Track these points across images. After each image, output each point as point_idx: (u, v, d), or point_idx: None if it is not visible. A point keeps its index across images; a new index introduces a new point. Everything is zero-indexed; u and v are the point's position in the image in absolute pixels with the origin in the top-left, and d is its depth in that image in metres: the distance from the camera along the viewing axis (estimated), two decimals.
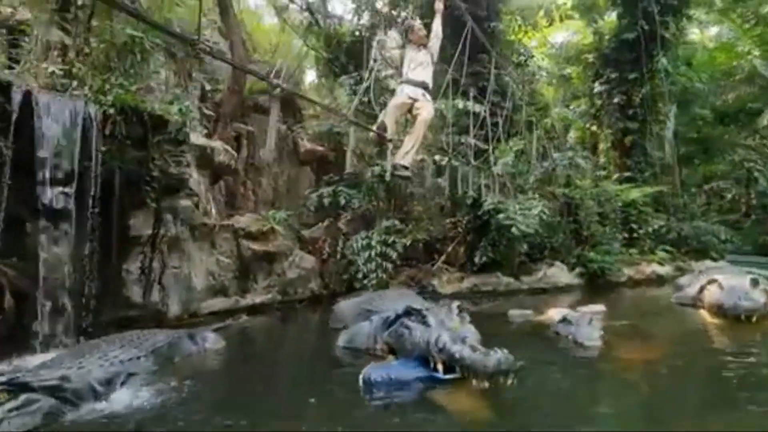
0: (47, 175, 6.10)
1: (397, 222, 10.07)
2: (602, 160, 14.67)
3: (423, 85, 6.09)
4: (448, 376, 3.97)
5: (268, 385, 4.63)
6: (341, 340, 5.65)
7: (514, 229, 9.17)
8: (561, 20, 14.56)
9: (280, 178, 13.68)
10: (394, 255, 9.37)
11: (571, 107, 15.95)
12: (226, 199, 12.02)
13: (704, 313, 6.77)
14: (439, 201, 12.23)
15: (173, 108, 7.41)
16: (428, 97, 6.12)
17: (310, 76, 17.00)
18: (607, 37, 13.18)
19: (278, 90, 4.37)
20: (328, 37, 13.32)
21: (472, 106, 9.86)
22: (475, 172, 9.78)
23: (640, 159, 12.91)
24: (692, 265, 12.69)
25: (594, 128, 14.90)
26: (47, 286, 5.95)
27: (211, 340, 5.95)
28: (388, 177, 6.13)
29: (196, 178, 9.38)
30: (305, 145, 14.04)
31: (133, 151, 7.17)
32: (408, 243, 10.20)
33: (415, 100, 5.99)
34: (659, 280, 11.53)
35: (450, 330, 4.35)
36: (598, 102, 14.11)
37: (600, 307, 7.43)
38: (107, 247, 7.48)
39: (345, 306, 6.94)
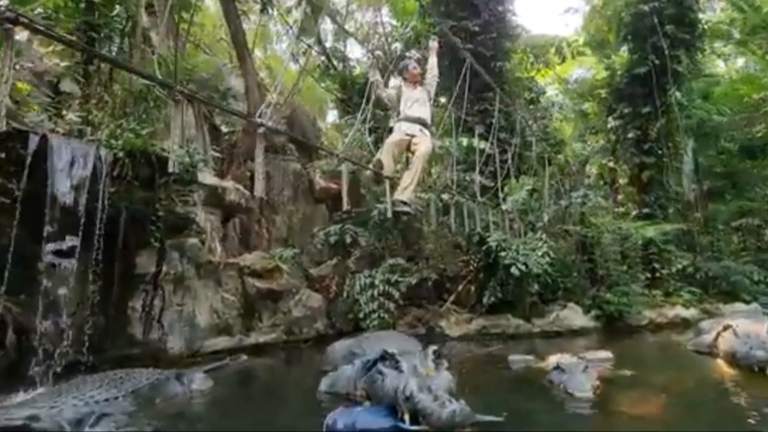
0: (56, 215, 6.41)
1: (402, 260, 9.97)
2: (620, 196, 14.22)
3: (420, 121, 6.14)
4: (414, 428, 3.80)
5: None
6: (323, 383, 5.53)
7: (513, 269, 8.91)
8: (573, 57, 14.55)
9: (295, 216, 13.88)
10: (396, 295, 9.23)
11: (589, 143, 15.69)
12: (241, 236, 12.26)
13: (720, 363, 6.29)
14: (453, 238, 12.12)
15: (180, 150, 7.71)
16: (426, 132, 6.15)
17: (332, 116, 17.52)
18: (619, 72, 13.04)
19: (261, 129, 4.43)
20: (344, 79, 13.74)
21: (477, 143, 9.82)
22: (482, 209, 9.65)
23: (658, 195, 12.43)
24: (720, 308, 11.95)
25: (611, 164, 14.54)
26: (46, 324, 6.13)
27: (198, 382, 5.93)
28: (389, 214, 6.09)
29: (204, 217, 9.69)
30: (320, 182, 14.28)
31: (141, 192, 7.48)
32: (414, 282, 10.06)
33: (413, 136, 6.03)
34: (684, 324, 10.85)
35: (421, 377, 4.20)
36: (613, 137, 13.82)
37: (606, 354, 7.03)
38: (112, 285, 7.72)
39: (337, 348, 6.84)
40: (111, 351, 7.58)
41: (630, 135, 12.81)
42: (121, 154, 6.99)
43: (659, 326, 10.88)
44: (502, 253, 9.10)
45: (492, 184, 9.65)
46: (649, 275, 12.60)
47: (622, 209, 13.40)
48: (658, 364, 6.83)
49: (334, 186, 14.82)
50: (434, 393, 3.82)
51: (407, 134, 6.05)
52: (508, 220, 9.67)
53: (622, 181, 13.54)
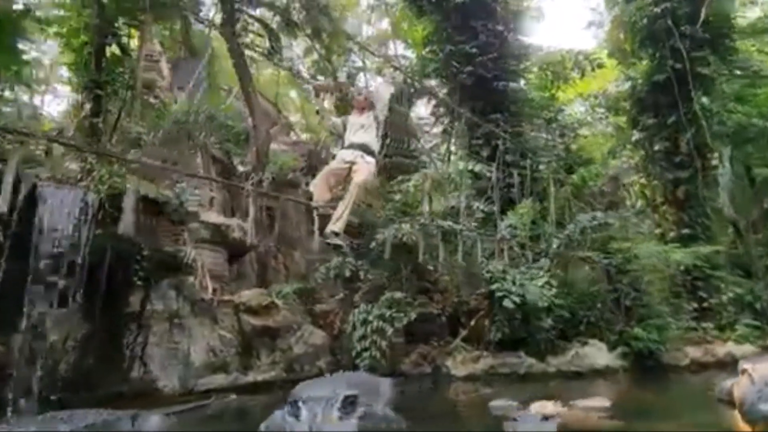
0: (40, 257, 6.73)
1: (401, 294, 9.43)
2: (656, 216, 12.71)
3: (362, 147, 5.83)
4: None
5: None
6: (262, 426, 5.15)
7: (506, 302, 8.08)
8: (593, 70, 13.49)
9: (313, 250, 13.83)
10: (389, 331, 8.68)
11: (624, 160, 14.33)
12: (258, 273, 12.37)
13: (735, 415, 5.14)
14: (470, 270, 11.39)
15: (167, 192, 7.93)
16: (369, 159, 5.82)
17: None
18: (640, 81, 11.81)
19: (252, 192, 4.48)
20: None
21: (477, 167, 9.26)
22: (482, 238, 9.00)
23: (698, 212, 10.88)
24: None
25: (643, 181, 13.08)
26: (20, 361, 6.34)
27: (152, 424, 5.77)
28: (315, 247, 5.77)
29: (207, 254, 9.85)
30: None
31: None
32: (413, 317, 9.45)
33: (353, 163, 5.73)
34: (735, 364, 9.24)
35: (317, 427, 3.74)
36: (642, 152, 12.45)
37: (601, 402, 6.02)
38: (102, 323, 7.94)
39: (298, 389, 6.42)
40: (102, 389, 7.73)
41: (657, 148, 11.46)
42: (104, 197, 7.26)
43: (703, 366, 9.35)
44: (495, 285, 8.32)
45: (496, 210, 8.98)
46: (696, 305, 11.05)
47: (659, 230, 11.93)
48: (661, 415, 5.70)
49: (354, 219, 14.75)
50: None
51: (346, 161, 5.76)
52: (505, 249, 8.89)
53: (658, 199, 12.11)
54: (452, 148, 12.10)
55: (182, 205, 8.23)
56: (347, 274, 9.91)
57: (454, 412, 6.47)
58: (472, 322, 10.48)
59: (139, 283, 7.52)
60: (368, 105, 6.17)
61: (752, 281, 11.75)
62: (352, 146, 5.86)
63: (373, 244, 9.89)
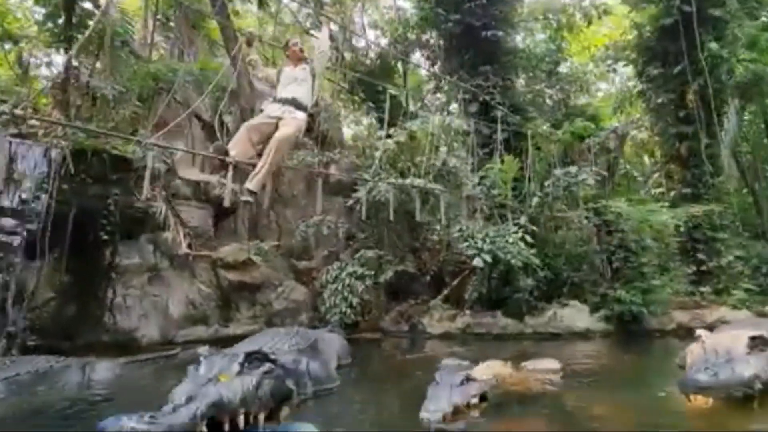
0: (5, 210, 6.78)
1: (372, 252, 9.16)
2: (656, 174, 11.72)
3: (292, 102, 5.38)
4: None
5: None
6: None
7: (477, 260, 7.65)
8: (599, 18, 12.15)
9: (309, 209, 13.63)
10: (360, 288, 8.47)
11: (629, 115, 13.16)
12: (249, 230, 12.31)
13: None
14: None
15: (132, 147, 7.76)
16: (297, 114, 5.38)
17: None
18: (647, 28, 10.51)
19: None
20: (353, 68, 13.12)
21: (459, 123, 8.67)
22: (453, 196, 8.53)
23: (703, 170, 9.86)
24: None
25: (642, 136, 11.99)
26: None
27: (101, 372, 5.84)
28: (226, 202, 5.46)
29: (190, 210, 9.78)
30: (335, 175, 13.86)
31: (95, 188, 7.67)
32: (390, 275, 9.20)
33: (280, 119, 5.33)
34: None
35: (209, 383, 3.58)
36: (646, 105, 11.30)
37: (552, 365, 5.67)
38: (78, 275, 8.06)
39: (240, 344, 6.33)
40: (82, 338, 7.93)
41: (662, 100, 10.33)
42: (70, 153, 7.16)
43: (691, 331, 8.71)
44: (464, 244, 7.89)
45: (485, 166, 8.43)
46: (695, 268, 10.31)
47: (659, 189, 11.00)
48: (607, 381, 5.29)
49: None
50: (195, 404, 3.20)
51: (272, 117, 5.35)
52: (480, 207, 8.39)
53: (661, 156, 11.05)
54: (442, 104, 11.43)
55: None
56: (325, 232, 9.68)
57: (401, 370, 6.27)
58: (455, 282, 10.17)
59: (106, 237, 7.48)
60: (304, 57, 5.69)
61: (761, 243, 10.85)
62: (281, 101, 5.42)
63: (350, 202, 9.58)
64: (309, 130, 6.05)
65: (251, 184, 5.19)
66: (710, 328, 8.85)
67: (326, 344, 6.16)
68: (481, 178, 8.45)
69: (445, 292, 10.01)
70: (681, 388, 3.93)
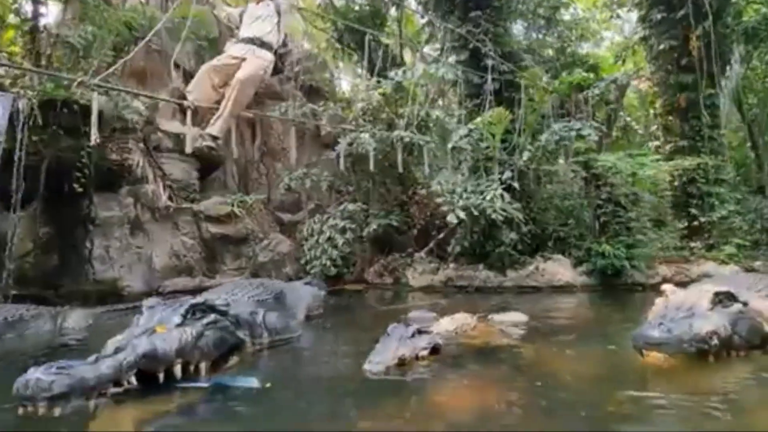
0: None
1: (354, 205, 8.95)
2: (654, 127, 11.10)
3: (256, 41, 5.03)
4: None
5: None
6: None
7: (450, 217, 7.41)
8: None
9: (300, 162, 13.35)
10: (341, 242, 8.33)
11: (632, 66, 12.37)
12: (239, 184, 12.14)
13: None
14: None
15: (103, 98, 7.48)
16: (261, 53, 5.03)
17: None
18: None
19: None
20: (338, 15, 12.42)
21: (445, 72, 8.18)
22: (439, 148, 8.18)
23: (702, 122, 9.26)
24: None
25: (644, 87, 11.24)
26: None
27: (73, 320, 5.85)
28: (188, 149, 5.21)
29: (173, 163, 9.58)
30: (327, 128, 13.47)
31: (68, 140, 7.47)
32: (373, 229, 9.03)
33: (243, 59, 4.99)
34: None
35: (143, 334, 3.49)
36: (648, 53, 10.52)
37: (518, 317, 5.54)
38: (59, 227, 8.01)
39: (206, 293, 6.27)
40: (66, 288, 7.99)
41: (664, 47, 9.58)
42: (38, 103, 6.92)
43: (676, 286, 8.54)
44: (440, 198, 7.62)
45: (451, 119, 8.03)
46: (687, 223, 9.98)
47: (656, 143, 10.46)
48: (575, 335, 5.14)
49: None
50: (127, 350, 3.14)
51: (235, 57, 5.00)
52: (464, 160, 8.04)
53: (661, 107, 10.40)
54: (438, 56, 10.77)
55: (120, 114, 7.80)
56: (307, 185, 9.46)
57: (371, 321, 6.19)
58: (441, 236, 9.99)
59: (80, 189, 7.35)
60: None
61: (759, 198, 10.42)
62: (244, 40, 5.06)
63: (332, 154, 9.28)
64: (278, 71, 5.68)
65: (212, 128, 4.94)
66: (690, 283, 8.77)
67: (295, 296, 6.09)
68: (470, 130, 8.03)
69: (430, 245, 9.87)
70: (633, 343, 3.75)
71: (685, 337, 3.63)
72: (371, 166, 7.45)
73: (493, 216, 7.68)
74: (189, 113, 4.85)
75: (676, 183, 9.69)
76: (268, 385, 3.54)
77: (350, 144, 8.88)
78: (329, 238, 8.32)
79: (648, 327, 3.71)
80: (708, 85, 9.30)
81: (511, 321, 5.47)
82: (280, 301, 5.59)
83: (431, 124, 8.70)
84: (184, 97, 4.86)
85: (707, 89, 9.31)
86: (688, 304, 4.21)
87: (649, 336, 3.65)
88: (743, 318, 4.08)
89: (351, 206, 8.93)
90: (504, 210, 7.75)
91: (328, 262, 8.21)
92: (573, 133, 8.26)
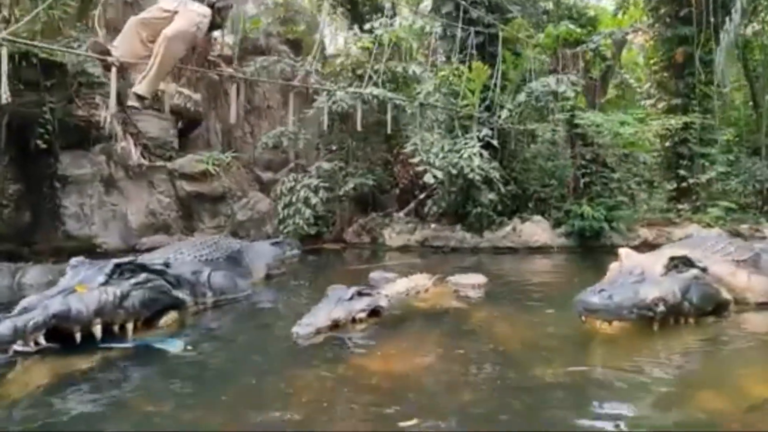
0: None
1: (329, 164, 8.64)
2: (648, 84, 10.42)
3: None
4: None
5: None
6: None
7: (427, 177, 7.08)
8: None
9: (287, 120, 12.91)
10: (314, 201, 8.08)
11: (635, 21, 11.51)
12: (223, 142, 11.81)
13: None
14: None
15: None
16: (195, 6, 4.62)
17: None
18: None
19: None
20: None
21: (419, 24, 7.63)
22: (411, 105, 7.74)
23: (697, 79, 8.59)
24: (764, 229, 8.72)
25: (638, 40, 10.47)
26: None
27: (33, 276, 5.75)
28: (111, 108, 4.89)
29: (149, 120, 9.25)
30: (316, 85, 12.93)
31: (31, 95, 7.16)
32: (351, 188, 8.75)
33: (175, 13, 4.59)
34: None
35: (60, 293, 3.35)
36: (647, 5, 9.70)
37: (478, 279, 5.32)
38: (30, 183, 7.85)
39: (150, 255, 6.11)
40: (41, 244, 7.91)
41: None
42: None
43: (655, 248, 8.25)
44: (416, 158, 7.27)
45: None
46: (676, 185, 9.56)
47: (650, 101, 9.85)
48: (530, 298, 4.93)
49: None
50: (37, 310, 3.02)
51: (166, 11, 4.58)
52: (439, 118, 7.62)
53: (657, 62, 9.68)
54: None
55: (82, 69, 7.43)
56: (285, 143, 9.13)
57: (332, 281, 6.01)
58: (422, 196, 9.71)
59: (44, 146, 7.11)
60: None
61: (753, 159, 9.91)
62: None
63: (311, 112, 8.88)
64: (216, 26, 5.25)
65: (139, 87, 4.60)
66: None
67: (254, 255, 5.92)
68: (437, 85, 7.55)
69: (411, 205, 9.61)
70: (574, 309, 3.53)
71: (626, 303, 3.39)
72: (358, 125, 7.07)
73: (471, 176, 7.34)
74: (114, 70, 4.50)
75: (667, 143, 9.18)
76: (189, 347, 3.42)
77: (333, 102, 8.46)
78: (303, 198, 8.06)
79: (589, 293, 3.47)
80: (707, 38, 8.60)
81: (470, 283, 5.25)
82: (235, 261, 5.42)
83: (409, 81, 8.22)
84: (107, 52, 4.49)
85: (706, 44, 8.62)
86: (640, 269, 3.96)
87: (588, 302, 3.42)
88: (697, 284, 3.84)
89: (326, 165, 8.63)
90: (482, 169, 7.40)
91: (301, 222, 7.99)
92: (548, 89, 7.75)
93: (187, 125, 10.53)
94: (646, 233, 8.35)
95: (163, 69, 4.65)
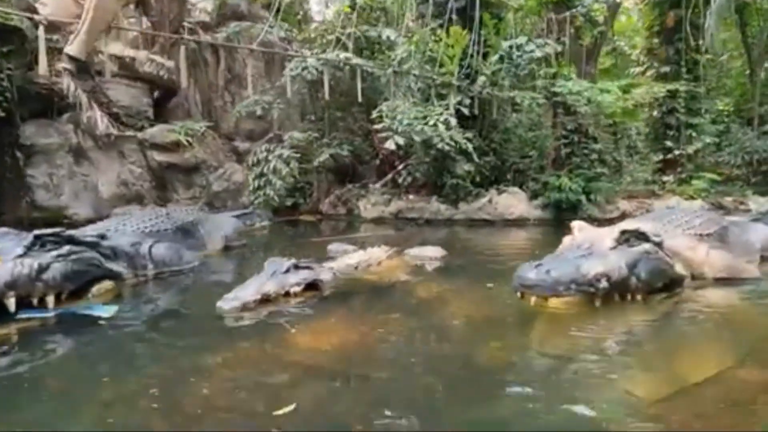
0: None
1: (300, 134, 8.33)
2: (637, 50, 9.87)
3: None
4: None
5: None
6: None
7: (389, 143, 6.77)
8: None
9: (269, 89, 12.49)
10: (284, 171, 7.82)
11: None
12: (203, 111, 11.46)
13: None
14: None
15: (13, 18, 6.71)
16: None
17: None
18: None
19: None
20: None
21: None
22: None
23: (687, 45, 8.07)
24: (755, 202, 8.40)
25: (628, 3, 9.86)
26: None
27: None
28: (41, 70, 4.59)
29: (120, 89, 8.91)
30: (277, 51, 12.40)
31: None
32: (325, 159, 8.46)
33: None
34: None
35: None
36: None
37: (435, 252, 5.11)
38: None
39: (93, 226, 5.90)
40: (10, 214, 7.75)
41: None
42: None
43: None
44: (380, 125, 6.94)
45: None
46: (663, 156, 9.20)
47: (639, 69, 9.34)
48: (484, 272, 4.71)
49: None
50: None
51: None
52: (412, 84, 7.23)
53: (643, 27, 9.12)
54: None
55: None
56: (259, 111, 8.79)
57: (289, 253, 5.81)
58: (401, 167, 9.39)
59: (2, 114, 6.83)
60: None
61: (744, 130, 9.49)
62: None
63: (282, 80, 8.50)
64: None
65: (71, 47, 4.32)
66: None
67: (211, 226, 5.72)
68: (410, 52, 7.14)
69: (389, 176, 9.32)
70: (512, 284, 3.31)
71: (564, 279, 3.17)
72: (326, 92, 6.72)
73: (440, 145, 7.02)
74: (41, 29, 4.18)
75: (654, 113, 8.76)
76: (112, 313, 3.28)
77: (304, 68, 8.07)
78: (274, 169, 7.80)
79: (525, 268, 3.24)
80: (699, 1, 8.04)
81: (427, 256, 5.06)
82: (187, 232, 5.23)
83: (384, 47, 7.79)
84: (33, 9, 4.16)
85: (698, 7, 8.06)
86: (589, 243, 3.71)
87: (524, 277, 3.19)
88: (648, 258, 3.59)
89: (297, 135, 8.31)
90: (453, 139, 7.08)
91: (272, 193, 7.75)
92: (530, 56, 7.31)
93: (164, 95, 10.19)
94: (625, 205, 8.06)
95: (95, 26, 4.35)
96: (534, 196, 8.02)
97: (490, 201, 7.98)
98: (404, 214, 8.32)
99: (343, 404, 2.12)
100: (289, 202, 9.06)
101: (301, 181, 8.39)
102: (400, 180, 8.34)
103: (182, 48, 6.02)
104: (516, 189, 8.12)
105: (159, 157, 8.59)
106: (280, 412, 1.96)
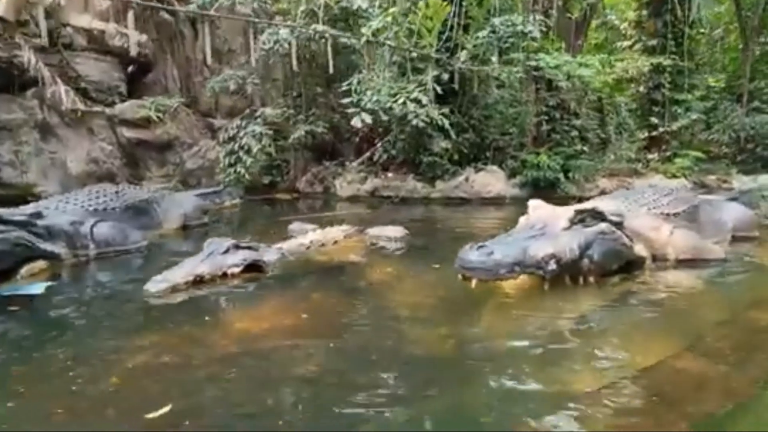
0: None
1: (272, 110, 8.01)
2: (624, 24, 9.42)
3: None
4: None
5: None
6: None
7: (355, 120, 6.46)
8: None
9: (248, 66, 12.05)
10: (255, 148, 7.53)
11: None
12: (181, 87, 11.07)
13: None
14: None
15: None
16: None
17: None
18: None
19: None
20: None
21: None
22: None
23: (675, 18, 7.63)
24: (738, 180, 8.13)
25: None
26: None
27: None
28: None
29: (90, 63, 8.54)
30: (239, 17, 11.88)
31: None
32: (301, 135, 8.14)
33: None
34: None
35: None
36: None
37: (395, 232, 4.88)
38: None
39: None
40: None
41: None
42: None
43: None
44: (347, 99, 6.62)
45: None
46: (648, 133, 8.88)
47: (627, 42, 8.92)
48: (440, 253, 4.50)
49: None
50: None
51: None
52: (385, 56, 6.87)
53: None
54: None
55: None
56: (232, 87, 8.44)
57: (249, 233, 5.58)
58: (379, 144, 9.09)
59: None
60: None
61: (733, 106, 9.14)
62: None
63: (256, 54, 8.10)
64: None
65: None
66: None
67: (169, 204, 5.49)
68: (387, 23, 6.74)
69: (366, 154, 9.02)
70: (454, 266, 3.09)
71: (506, 261, 2.94)
72: (293, 63, 6.38)
73: (414, 122, 6.71)
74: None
75: (641, 88, 8.40)
76: (42, 290, 3.11)
77: (275, 42, 7.70)
78: (245, 146, 7.50)
79: (468, 249, 3.01)
80: None
81: (387, 236, 4.83)
82: (139, 211, 5.00)
83: (361, 19, 7.40)
84: None
85: None
86: (542, 223, 3.47)
87: (465, 259, 2.96)
88: (603, 239, 3.36)
89: (269, 111, 7.99)
90: (429, 116, 6.76)
91: (243, 170, 7.48)
92: (514, 29, 6.92)
93: (139, 70, 9.80)
94: (606, 184, 7.79)
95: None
96: (512, 174, 7.76)
97: (467, 179, 7.72)
98: (380, 192, 8.07)
99: (250, 406, 1.92)
100: (266, 180, 8.81)
101: (278, 159, 8.10)
102: (376, 157, 8.05)
103: (130, 13, 5.62)
104: (494, 168, 7.84)
105: (129, 133, 8.28)
106: (156, 414, 1.76)
